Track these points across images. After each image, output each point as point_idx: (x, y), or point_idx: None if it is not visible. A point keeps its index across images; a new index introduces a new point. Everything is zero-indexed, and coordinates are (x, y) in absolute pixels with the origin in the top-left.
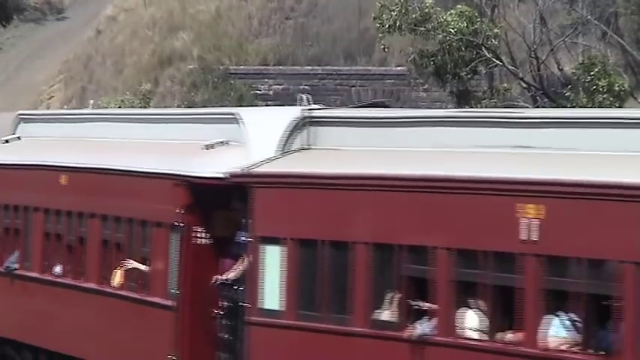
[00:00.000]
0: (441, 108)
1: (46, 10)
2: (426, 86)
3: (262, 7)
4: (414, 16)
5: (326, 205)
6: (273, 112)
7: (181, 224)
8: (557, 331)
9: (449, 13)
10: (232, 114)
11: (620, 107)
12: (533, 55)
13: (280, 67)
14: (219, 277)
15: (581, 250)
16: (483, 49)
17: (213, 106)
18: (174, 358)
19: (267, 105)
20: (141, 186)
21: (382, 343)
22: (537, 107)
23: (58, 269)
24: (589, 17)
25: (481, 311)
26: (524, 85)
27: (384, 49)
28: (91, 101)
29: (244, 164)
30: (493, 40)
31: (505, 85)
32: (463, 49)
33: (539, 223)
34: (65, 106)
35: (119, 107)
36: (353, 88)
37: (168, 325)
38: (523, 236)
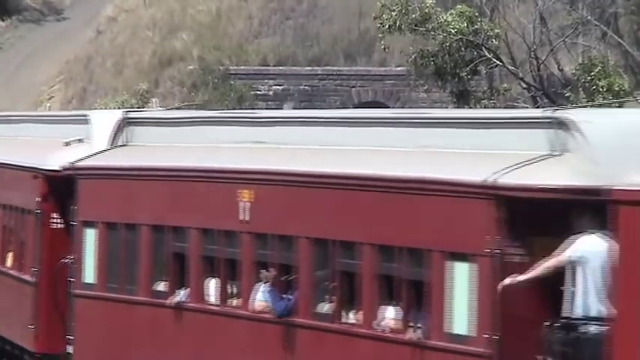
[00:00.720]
0: (441, 108)
1: (46, 11)
2: (426, 87)
3: (262, 8)
4: (414, 16)
5: (122, 192)
6: (114, 113)
7: (38, 211)
8: (263, 296)
9: (449, 13)
10: (85, 115)
11: (619, 108)
12: (533, 56)
13: (280, 68)
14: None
15: (274, 227)
16: (483, 49)
17: (213, 107)
18: (32, 327)
19: (267, 105)
20: (15, 177)
21: (157, 310)
22: (537, 107)
23: None
24: (589, 18)
25: (219, 280)
26: (524, 86)
27: (384, 49)
28: None
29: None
30: (493, 41)
31: (505, 85)
32: (463, 49)
33: (251, 205)
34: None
35: (118, 108)
36: (353, 89)
37: (31, 298)
38: (241, 217)
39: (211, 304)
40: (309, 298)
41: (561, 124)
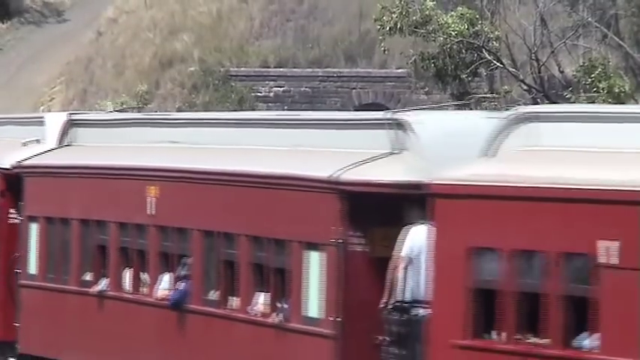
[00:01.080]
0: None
1: (46, 12)
2: (427, 88)
3: (263, 9)
4: (414, 18)
5: (58, 189)
6: (63, 115)
7: None
8: (166, 285)
9: (449, 15)
10: (41, 117)
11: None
12: (533, 58)
13: (281, 69)
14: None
15: (174, 221)
16: (484, 51)
17: (214, 109)
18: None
19: (267, 107)
20: None
21: (84, 298)
22: None
23: None
24: (589, 19)
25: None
26: (525, 87)
27: (384, 51)
28: None
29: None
30: (494, 43)
31: (506, 87)
32: (464, 51)
33: (156, 200)
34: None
35: (119, 109)
36: (354, 91)
37: None
38: (148, 211)
39: (126, 293)
40: (201, 286)
41: (400, 125)
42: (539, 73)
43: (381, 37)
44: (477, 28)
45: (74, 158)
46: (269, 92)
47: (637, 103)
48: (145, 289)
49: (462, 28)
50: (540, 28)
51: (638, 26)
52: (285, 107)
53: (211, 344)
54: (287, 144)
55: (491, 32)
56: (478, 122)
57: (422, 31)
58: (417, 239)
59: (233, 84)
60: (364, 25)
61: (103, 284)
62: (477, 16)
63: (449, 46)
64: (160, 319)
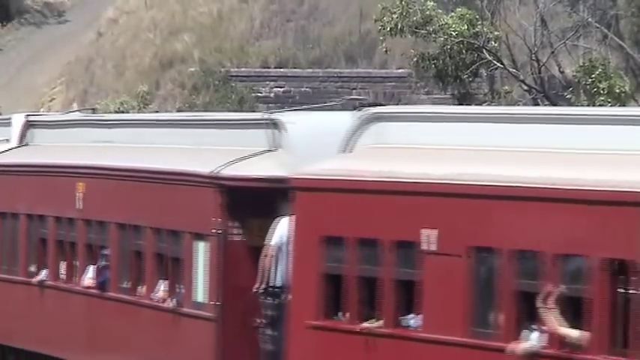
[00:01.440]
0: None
1: (47, 13)
2: (427, 89)
3: (263, 10)
4: (415, 18)
5: (11, 186)
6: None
7: None
8: (89, 275)
9: (450, 15)
10: (9, 118)
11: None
12: (534, 58)
13: (281, 70)
14: None
15: (95, 215)
16: (484, 51)
17: (214, 109)
18: None
19: (268, 107)
20: None
21: (30, 288)
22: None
23: None
24: (590, 20)
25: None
26: (525, 88)
27: (385, 51)
28: None
29: None
30: (494, 43)
31: (506, 87)
32: (464, 51)
33: (83, 196)
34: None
35: (119, 110)
36: (354, 91)
37: None
38: (77, 206)
39: (62, 282)
40: (117, 274)
41: (275, 125)
42: (540, 73)
43: (381, 38)
44: (477, 28)
45: (24, 157)
46: (269, 93)
47: (637, 103)
48: (76, 279)
49: (463, 28)
50: (540, 29)
51: (639, 27)
52: (286, 108)
53: (125, 329)
54: (182, 142)
55: (492, 33)
56: (345, 122)
57: (422, 31)
58: (285, 229)
59: (233, 84)
60: (364, 26)
61: (43, 274)
62: (478, 17)
63: (449, 46)
64: (87, 305)
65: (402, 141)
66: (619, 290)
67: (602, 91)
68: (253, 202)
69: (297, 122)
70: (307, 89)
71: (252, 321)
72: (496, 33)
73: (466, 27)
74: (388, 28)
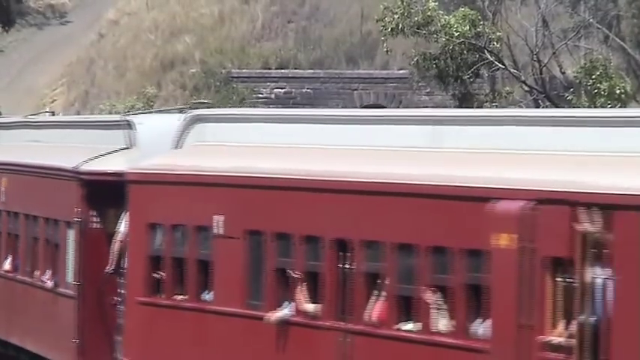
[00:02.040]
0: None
1: (48, 14)
2: (429, 89)
3: (265, 11)
4: (416, 19)
5: None
6: None
7: None
8: (10, 260)
9: (451, 16)
10: None
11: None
12: (535, 59)
13: (282, 71)
14: None
15: (12, 207)
16: (486, 52)
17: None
18: None
19: (269, 108)
20: None
21: None
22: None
23: None
24: (591, 20)
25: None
26: (527, 88)
27: (386, 52)
28: None
29: None
30: (495, 44)
31: (507, 88)
32: (465, 52)
33: (5, 190)
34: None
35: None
36: (355, 92)
37: None
38: (2, 199)
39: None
40: (24, 260)
41: (129, 125)
42: (541, 74)
43: (382, 38)
44: (478, 29)
45: None
46: (270, 94)
47: (638, 103)
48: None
49: (464, 29)
50: (542, 29)
51: (639, 27)
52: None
53: (26, 308)
54: (61, 140)
55: (493, 33)
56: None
57: (424, 31)
58: (125, 221)
59: (234, 85)
60: (365, 27)
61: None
62: (479, 17)
63: (451, 47)
64: (6, 288)
65: (215, 139)
66: (340, 266)
67: (602, 92)
68: (109, 193)
69: (145, 123)
70: (308, 90)
71: (110, 299)
72: (497, 33)
73: (467, 27)
74: (389, 29)
